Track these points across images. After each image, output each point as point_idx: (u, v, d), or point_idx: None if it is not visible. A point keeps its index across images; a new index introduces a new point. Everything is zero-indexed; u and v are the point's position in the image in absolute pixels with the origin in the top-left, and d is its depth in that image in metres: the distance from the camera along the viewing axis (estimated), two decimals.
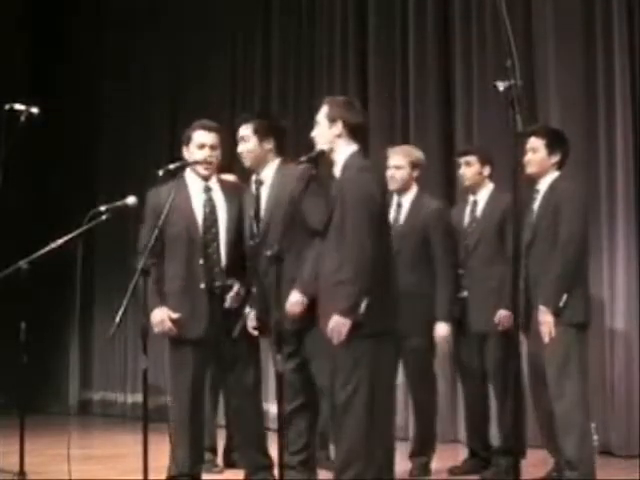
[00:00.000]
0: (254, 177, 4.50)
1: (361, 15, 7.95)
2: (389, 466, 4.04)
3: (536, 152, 4.76)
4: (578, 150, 6.30)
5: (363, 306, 3.78)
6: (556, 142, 4.80)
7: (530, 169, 4.77)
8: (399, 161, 5.41)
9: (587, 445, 4.53)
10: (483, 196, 5.44)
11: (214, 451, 5.76)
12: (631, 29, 6.22)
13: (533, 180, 4.81)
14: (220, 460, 5.79)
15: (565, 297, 4.52)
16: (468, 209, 5.48)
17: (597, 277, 6.15)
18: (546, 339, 4.52)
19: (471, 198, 5.49)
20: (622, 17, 6.23)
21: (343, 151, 4.09)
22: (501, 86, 3.10)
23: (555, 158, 4.77)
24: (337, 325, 3.80)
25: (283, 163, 4.47)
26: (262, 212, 4.43)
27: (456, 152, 5.99)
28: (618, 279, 6.17)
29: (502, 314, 5.14)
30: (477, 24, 7.06)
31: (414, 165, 5.45)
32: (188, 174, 4.59)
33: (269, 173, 4.44)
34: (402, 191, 5.43)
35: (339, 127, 4.08)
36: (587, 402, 4.64)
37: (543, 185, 4.76)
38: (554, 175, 4.77)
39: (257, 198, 4.44)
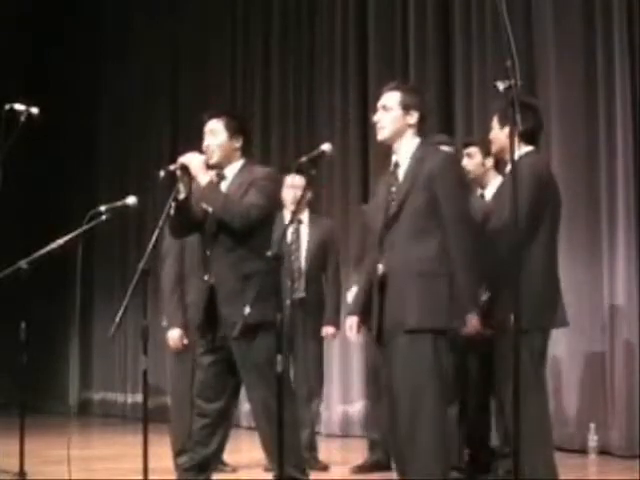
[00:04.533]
0: (216, 171, 4.37)
1: (361, 17, 7.96)
2: None
3: (493, 129, 4.36)
4: (578, 149, 6.32)
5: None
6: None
7: (493, 148, 4.43)
8: None
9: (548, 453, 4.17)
10: (491, 189, 5.21)
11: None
12: (631, 29, 6.21)
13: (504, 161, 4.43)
14: None
15: (486, 294, 4.08)
16: (476, 204, 5.36)
17: (597, 278, 6.16)
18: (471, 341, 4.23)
19: (479, 191, 5.32)
20: (622, 17, 6.22)
21: (409, 142, 3.91)
22: (501, 86, 3.10)
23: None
24: None
25: (247, 164, 4.32)
26: None
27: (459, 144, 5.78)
28: (618, 280, 6.15)
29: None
30: (477, 24, 7.06)
31: None
32: None
33: (232, 171, 4.30)
34: None
35: (415, 117, 3.90)
36: (547, 411, 4.21)
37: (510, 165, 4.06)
38: (521, 151, 4.14)
39: None
